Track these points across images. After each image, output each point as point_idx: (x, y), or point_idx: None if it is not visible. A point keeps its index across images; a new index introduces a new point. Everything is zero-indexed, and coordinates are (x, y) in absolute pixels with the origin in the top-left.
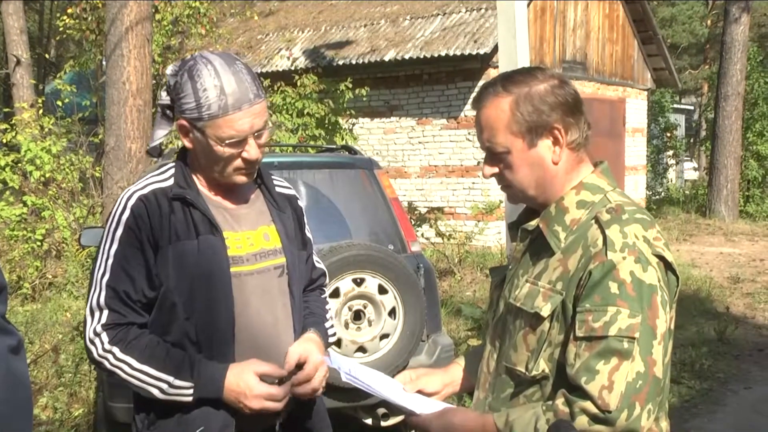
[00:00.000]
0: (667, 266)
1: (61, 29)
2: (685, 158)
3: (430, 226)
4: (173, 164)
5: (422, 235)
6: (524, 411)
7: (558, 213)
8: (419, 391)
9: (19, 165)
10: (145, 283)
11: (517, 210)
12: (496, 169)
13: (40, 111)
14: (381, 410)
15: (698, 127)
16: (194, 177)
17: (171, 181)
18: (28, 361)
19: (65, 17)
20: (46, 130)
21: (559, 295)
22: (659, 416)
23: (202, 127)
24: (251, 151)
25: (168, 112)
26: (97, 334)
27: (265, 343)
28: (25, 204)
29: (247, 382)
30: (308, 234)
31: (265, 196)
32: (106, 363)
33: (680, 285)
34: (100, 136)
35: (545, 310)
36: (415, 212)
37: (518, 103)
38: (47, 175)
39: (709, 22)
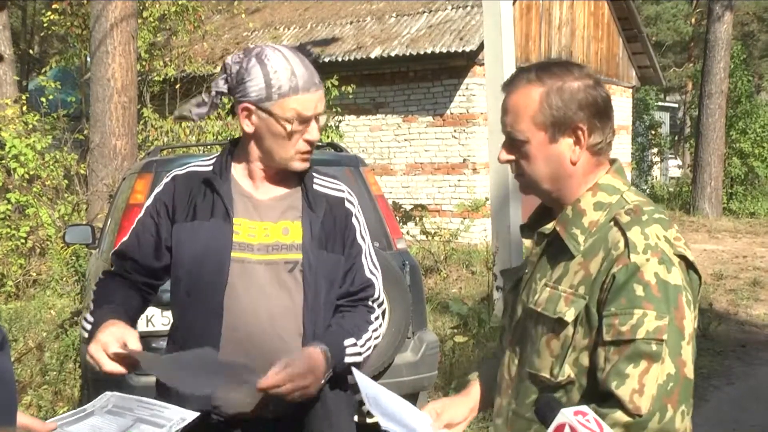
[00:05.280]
0: (689, 265)
1: (45, 25)
2: (670, 156)
3: (416, 224)
4: (218, 153)
5: (407, 232)
6: None
7: (575, 215)
8: (447, 425)
9: (3, 162)
10: (152, 251)
11: (502, 208)
12: (512, 157)
13: (24, 107)
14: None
15: (682, 125)
16: (234, 166)
17: (211, 167)
18: (12, 359)
19: (50, 13)
20: (31, 126)
21: (582, 299)
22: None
23: (269, 108)
24: (313, 132)
25: (218, 100)
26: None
27: (254, 333)
28: (9, 201)
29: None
30: (359, 240)
31: (302, 194)
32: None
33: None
34: (85, 133)
35: (569, 315)
36: (401, 209)
37: (548, 95)
38: (31, 172)
39: (693, 20)
